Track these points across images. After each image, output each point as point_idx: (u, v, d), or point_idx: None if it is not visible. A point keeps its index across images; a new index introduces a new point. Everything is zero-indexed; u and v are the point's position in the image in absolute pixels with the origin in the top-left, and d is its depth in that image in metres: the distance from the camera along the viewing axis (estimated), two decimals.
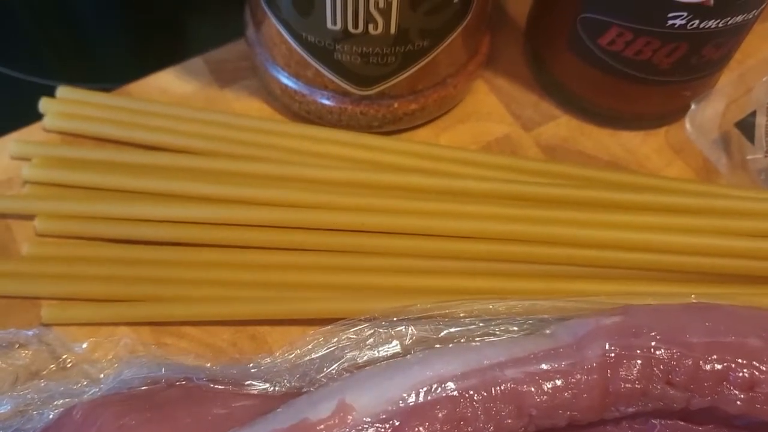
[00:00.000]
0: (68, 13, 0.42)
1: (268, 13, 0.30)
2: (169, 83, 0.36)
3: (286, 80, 0.33)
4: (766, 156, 0.33)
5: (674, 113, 0.35)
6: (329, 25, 0.29)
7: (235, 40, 0.37)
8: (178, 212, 0.30)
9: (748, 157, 0.33)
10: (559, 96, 0.36)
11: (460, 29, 0.31)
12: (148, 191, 0.31)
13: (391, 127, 0.34)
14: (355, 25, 0.29)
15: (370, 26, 0.29)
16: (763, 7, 0.30)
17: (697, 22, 0.29)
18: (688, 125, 0.34)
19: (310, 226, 0.30)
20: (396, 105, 0.33)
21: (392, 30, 0.29)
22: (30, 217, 0.31)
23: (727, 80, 0.36)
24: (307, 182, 0.31)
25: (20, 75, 0.39)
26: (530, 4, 0.37)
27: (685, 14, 0.29)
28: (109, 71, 0.39)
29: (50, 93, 0.34)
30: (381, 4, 0.28)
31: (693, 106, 0.34)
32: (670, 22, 0.29)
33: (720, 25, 0.30)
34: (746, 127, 0.34)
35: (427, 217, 0.30)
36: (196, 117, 0.34)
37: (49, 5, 0.41)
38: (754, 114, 0.34)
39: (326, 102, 0.33)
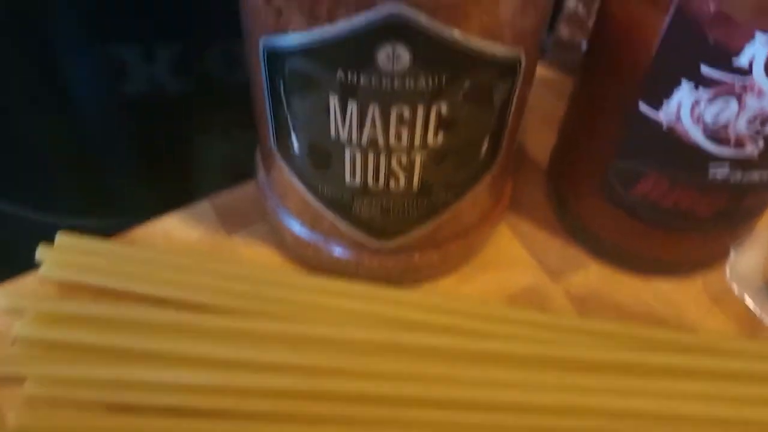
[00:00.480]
0: (74, 150, 0.41)
1: (281, 161, 0.29)
2: (174, 228, 0.34)
3: (298, 229, 0.31)
4: None
5: (712, 259, 0.33)
6: (348, 180, 0.27)
7: (245, 182, 0.35)
8: (182, 377, 0.28)
9: None
10: (588, 242, 0.34)
11: (485, 182, 0.29)
12: (151, 353, 0.28)
13: (411, 279, 0.32)
14: (376, 181, 0.27)
15: (392, 182, 0.27)
16: None
17: (739, 174, 0.27)
18: (728, 273, 0.32)
19: (322, 394, 0.28)
20: (416, 257, 0.31)
21: (415, 185, 0.27)
22: (19, 381, 0.28)
23: None
24: (318, 342, 0.29)
25: (19, 210, 0.37)
26: (553, 143, 0.36)
27: (728, 166, 0.27)
28: (115, 210, 0.38)
29: (50, 230, 0.32)
30: (403, 161, 0.26)
31: (732, 253, 0.32)
32: (712, 173, 0.27)
33: (765, 176, 0.28)
34: None
35: (452, 385, 0.27)
36: (200, 267, 0.31)
37: (56, 141, 0.40)
38: None
39: (342, 254, 0.31)
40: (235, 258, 0.33)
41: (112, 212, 0.36)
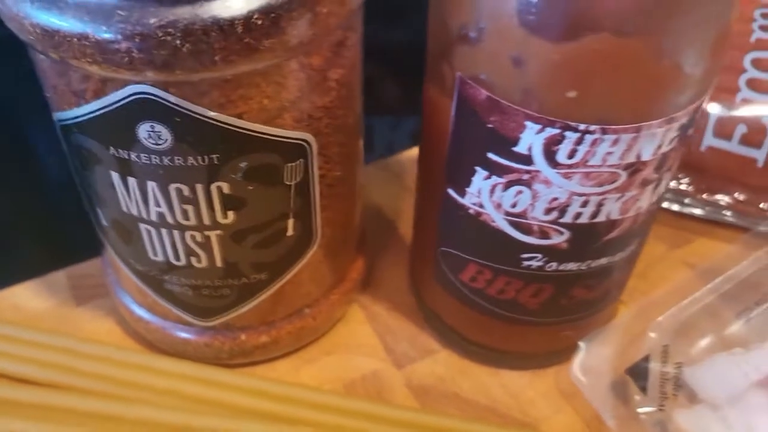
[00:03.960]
0: None
1: (101, 235, 0.29)
2: (24, 299, 0.34)
3: (131, 304, 0.31)
4: (660, 409, 0.29)
5: (564, 352, 0.32)
6: (151, 256, 0.27)
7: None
8: None
9: (639, 410, 0.29)
10: (438, 329, 0.33)
11: (303, 262, 0.28)
12: None
13: (242, 359, 0.31)
14: (177, 258, 0.26)
15: (193, 259, 0.26)
16: (633, 247, 0.28)
17: (555, 264, 0.26)
18: (573, 369, 0.31)
19: None
20: (243, 337, 0.30)
21: (218, 263, 0.27)
22: None
23: (625, 316, 0.32)
24: (128, 423, 0.28)
25: None
26: None
27: (540, 256, 0.26)
28: None
29: None
30: (198, 239, 0.25)
31: (580, 347, 0.31)
32: (526, 263, 0.27)
33: (583, 267, 0.27)
34: (639, 373, 0.30)
35: None
36: (34, 340, 0.31)
37: None
38: (647, 359, 0.30)
39: (170, 331, 0.30)
40: (78, 332, 0.32)
41: None
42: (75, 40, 0.19)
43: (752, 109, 0.36)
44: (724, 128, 0.36)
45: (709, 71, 0.23)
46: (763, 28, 0.37)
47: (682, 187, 0.37)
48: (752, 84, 0.36)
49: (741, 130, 0.36)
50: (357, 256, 0.33)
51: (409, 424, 0.29)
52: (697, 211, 0.38)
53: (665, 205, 0.38)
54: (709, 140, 0.36)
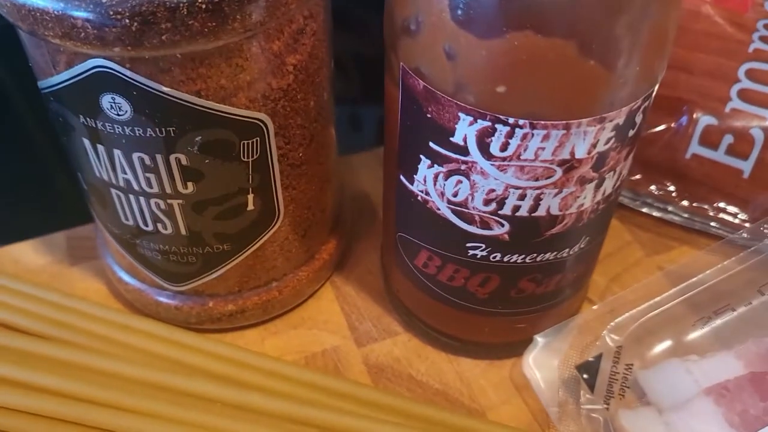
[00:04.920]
0: None
1: (86, 198, 0.31)
2: (24, 255, 0.37)
3: (114, 266, 0.33)
4: (605, 406, 0.30)
5: (522, 345, 0.32)
6: (123, 220, 0.29)
7: None
8: None
9: (583, 406, 0.30)
10: (402, 313, 0.34)
11: (266, 236, 0.30)
12: None
13: (210, 325, 0.33)
14: (145, 224, 0.28)
15: (159, 225, 0.28)
16: (583, 245, 0.28)
17: (499, 255, 0.27)
18: (526, 361, 0.31)
19: (87, 423, 0.29)
20: (211, 304, 0.32)
21: (182, 231, 0.28)
22: None
23: (588, 314, 0.33)
24: (99, 374, 0.30)
25: None
26: None
27: (483, 246, 0.27)
28: None
29: None
30: (162, 206, 0.27)
31: (536, 341, 0.32)
32: (471, 252, 0.27)
33: (528, 260, 0.28)
34: (588, 370, 0.31)
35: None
36: (27, 293, 0.34)
37: None
38: (599, 358, 0.31)
39: (146, 293, 0.32)
40: (68, 288, 0.35)
41: None
42: (38, 14, 0.22)
43: (741, 119, 0.35)
44: (711, 137, 0.36)
45: (645, 74, 0.23)
46: (763, 39, 0.36)
47: (663, 193, 0.37)
48: (744, 95, 0.36)
49: (728, 140, 0.36)
50: (330, 238, 0.34)
51: (360, 399, 0.30)
52: (678, 219, 0.38)
53: (646, 210, 0.38)
54: (695, 148, 0.36)
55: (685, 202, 0.37)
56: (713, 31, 0.36)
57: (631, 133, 0.25)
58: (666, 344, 0.32)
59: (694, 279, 0.33)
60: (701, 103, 0.36)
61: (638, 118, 0.24)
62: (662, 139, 0.37)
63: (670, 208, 0.38)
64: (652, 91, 0.24)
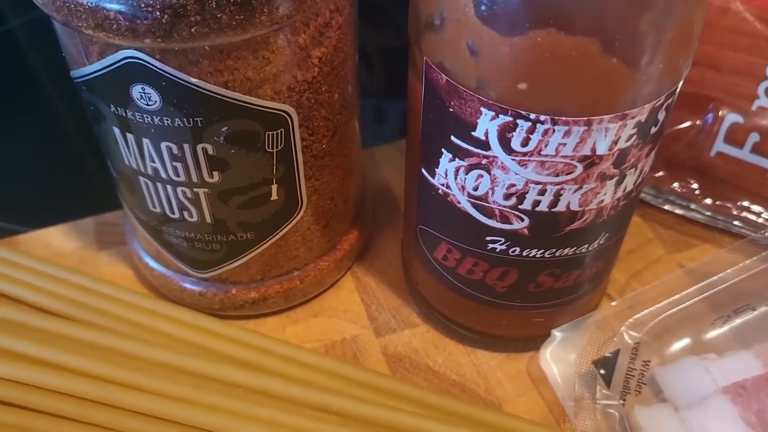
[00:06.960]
0: None
1: (114, 184, 0.32)
2: (55, 239, 0.38)
3: (140, 251, 0.34)
4: (621, 402, 0.30)
5: (540, 340, 0.33)
6: (150, 207, 0.29)
7: None
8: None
9: (599, 402, 0.30)
10: (421, 304, 0.34)
11: (289, 226, 0.30)
12: None
13: (233, 312, 0.33)
14: (172, 212, 0.29)
15: (185, 213, 0.29)
16: (603, 242, 0.28)
17: (518, 249, 0.28)
18: (543, 355, 0.32)
19: (110, 403, 0.29)
20: (234, 291, 0.32)
21: (208, 219, 0.29)
22: None
23: (607, 309, 0.33)
24: (124, 356, 0.31)
25: None
26: None
27: (503, 240, 0.27)
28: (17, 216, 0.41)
29: None
30: (189, 195, 0.28)
31: (554, 335, 0.32)
32: (490, 246, 0.28)
33: (546, 255, 0.28)
34: (605, 366, 0.31)
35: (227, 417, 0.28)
36: (56, 275, 0.35)
37: None
38: (617, 353, 0.31)
39: (171, 279, 0.33)
40: (95, 273, 0.36)
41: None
42: (72, 6, 0.22)
43: None
44: (736, 135, 0.36)
45: (668, 71, 0.23)
46: None
47: (686, 191, 0.37)
48: None
49: (753, 138, 0.35)
50: (352, 228, 0.35)
51: (377, 388, 0.31)
52: (701, 217, 0.37)
53: (668, 207, 0.38)
54: (720, 146, 0.36)
55: (708, 200, 0.37)
56: (742, 28, 0.36)
57: (654, 130, 0.25)
58: (684, 342, 0.32)
59: (714, 277, 0.33)
60: (727, 100, 0.36)
61: (661, 116, 0.25)
62: (687, 137, 0.37)
63: (692, 206, 0.38)
64: (676, 88, 0.24)
